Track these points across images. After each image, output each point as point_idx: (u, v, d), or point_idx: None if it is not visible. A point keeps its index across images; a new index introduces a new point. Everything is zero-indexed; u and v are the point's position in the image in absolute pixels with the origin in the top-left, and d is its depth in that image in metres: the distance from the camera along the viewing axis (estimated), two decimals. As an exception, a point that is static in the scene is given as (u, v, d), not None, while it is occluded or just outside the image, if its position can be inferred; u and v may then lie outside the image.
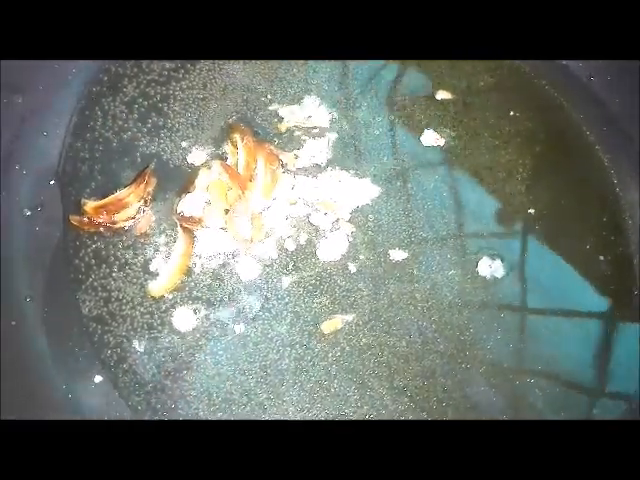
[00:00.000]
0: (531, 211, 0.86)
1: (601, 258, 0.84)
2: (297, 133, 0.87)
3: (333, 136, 0.88)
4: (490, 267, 0.82)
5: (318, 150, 0.86)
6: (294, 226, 0.82)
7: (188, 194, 0.80)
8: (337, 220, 0.83)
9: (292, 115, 0.88)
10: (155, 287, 0.77)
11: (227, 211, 0.79)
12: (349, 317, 0.78)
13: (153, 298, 0.76)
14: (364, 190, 0.85)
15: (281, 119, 0.88)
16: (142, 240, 0.79)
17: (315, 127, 0.88)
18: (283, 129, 0.87)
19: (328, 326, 0.77)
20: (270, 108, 0.89)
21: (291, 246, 0.81)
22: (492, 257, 0.82)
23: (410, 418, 0.73)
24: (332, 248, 0.81)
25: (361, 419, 0.73)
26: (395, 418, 0.73)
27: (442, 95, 0.92)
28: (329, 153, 0.86)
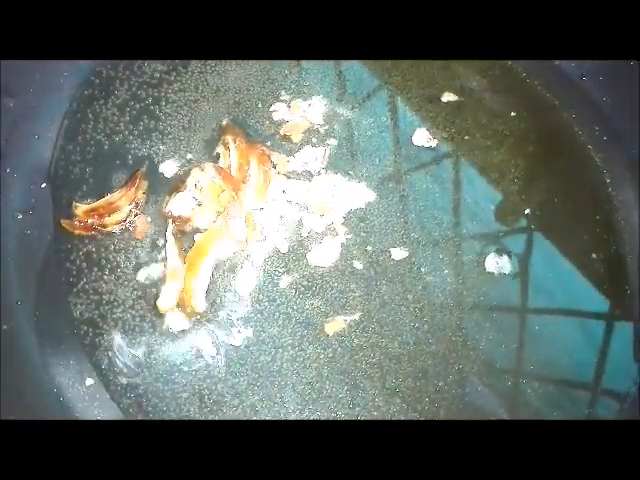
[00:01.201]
0: (527, 211, 0.86)
1: (594, 256, 0.84)
2: (294, 139, 0.87)
3: (331, 145, 0.87)
4: (497, 263, 0.82)
5: (313, 158, 0.86)
6: (287, 228, 0.82)
7: (179, 193, 0.80)
8: (331, 223, 0.82)
9: (284, 116, 0.88)
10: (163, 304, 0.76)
11: (220, 213, 0.79)
12: (352, 317, 0.77)
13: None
14: (358, 193, 0.85)
15: (277, 123, 0.88)
16: (134, 243, 0.79)
17: (309, 129, 0.88)
18: (284, 133, 0.87)
19: (331, 327, 0.77)
20: (262, 109, 0.89)
21: (283, 248, 0.81)
22: (499, 253, 0.82)
23: (402, 418, 0.73)
24: (324, 254, 0.80)
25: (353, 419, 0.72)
26: (387, 419, 0.73)
27: (448, 97, 0.92)
28: (324, 162, 0.86)
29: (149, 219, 0.81)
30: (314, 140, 0.87)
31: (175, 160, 0.84)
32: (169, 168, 0.84)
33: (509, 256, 0.82)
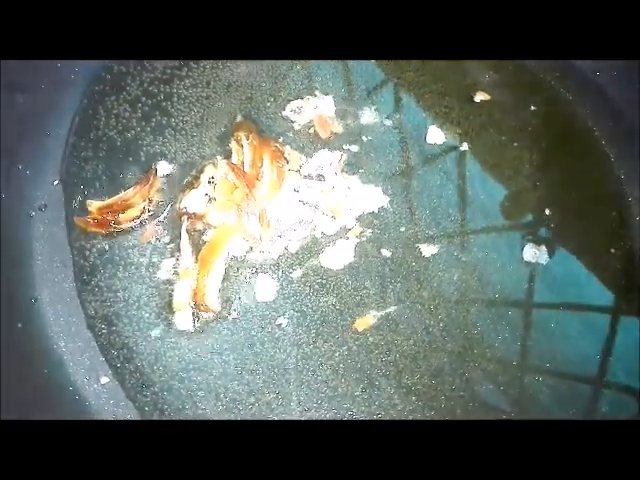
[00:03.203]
0: (547, 212, 0.85)
1: (612, 251, 0.84)
2: (312, 139, 0.87)
3: (349, 151, 0.86)
4: (535, 253, 0.82)
5: (329, 162, 0.85)
6: (300, 228, 0.81)
7: (193, 190, 0.79)
8: (344, 225, 0.82)
9: (297, 113, 0.88)
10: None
11: (233, 209, 0.79)
12: (381, 313, 0.77)
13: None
14: (372, 195, 0.84)
15: (291, 120, 0.87)
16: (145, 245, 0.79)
17: (322, 127, 0.87)
18: (302, 129, 0.87)
19: (361, 323, 0.76)
20: (274, 105, 0.88)
21: (297, 245, 0.80)
22: (537, 243, 0.82)
23: (418, 417, 0.72)
24: (337, 257, 0.80)
25: (369, 419, 0.72)
26: (403, 417, 0.72)
27: (481, 96, 0.91)
28: (339, 168, 0.85)
29: (157, 225, 0.80)
30: (334, 148, 0.86)
31: (168, 160, 0.84)
32: (164, 168, 0.83)
33: (547, 246, 0.82)
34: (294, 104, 0.88)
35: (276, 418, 0.72)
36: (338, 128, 0.87)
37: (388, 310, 0.77)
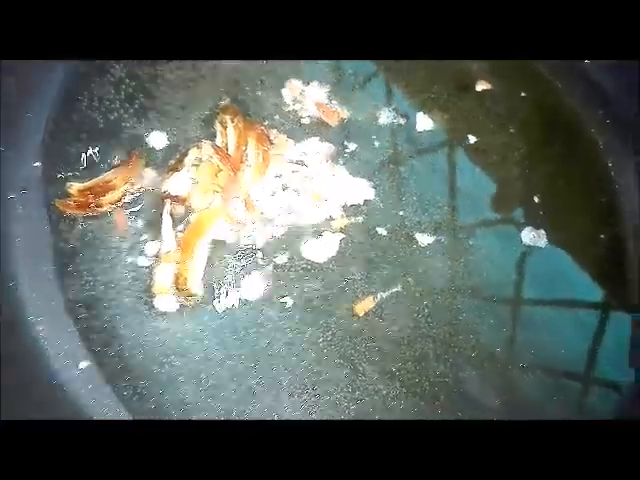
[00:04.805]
0: (536, 200, 0.85)
1: (601, 236, 0.84)
2: (303, 125, 0.86)
3: (344, 146, 0.85)
4: (534, 237, 0.82)
5: (315, 151, 0.84)
6: (286, 213, 0.80)
7: (176, 172, 0.78)
8: (329, 210, 0.81)
9: (285, 97, 0.87)
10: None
11: (217, 192, 0.78)
12: (383, 295, 0.76)
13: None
14: (358, 184, 0.83)
15: (277, 104, 0.86)
16: (129, 223, 0.78)
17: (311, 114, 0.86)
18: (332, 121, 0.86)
19: (361, 307, 0.76)
20: (260, 88, 0.87)
21: (281, 231, 0.79)
22: (537, 227, 0.82)
23: (402, 402, 0.72)
24: (322, 245, 0.79)
25: (356, 419, 0.71)
26: (387, 402, 0.72)
27: (482, 86, 0.91)
28: (325, 158, 0.84)
29: (126, 212, 0.78)
30: (324, 139, 0.85)
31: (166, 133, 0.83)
32: (159, 140, 0.83)
33: (546, 231, 0.82)
34: (287, 94, 0.87)
35: (258, 404, 0.71)
36: (345, 114, 0.86)
37: (373, 296, 0.77)
